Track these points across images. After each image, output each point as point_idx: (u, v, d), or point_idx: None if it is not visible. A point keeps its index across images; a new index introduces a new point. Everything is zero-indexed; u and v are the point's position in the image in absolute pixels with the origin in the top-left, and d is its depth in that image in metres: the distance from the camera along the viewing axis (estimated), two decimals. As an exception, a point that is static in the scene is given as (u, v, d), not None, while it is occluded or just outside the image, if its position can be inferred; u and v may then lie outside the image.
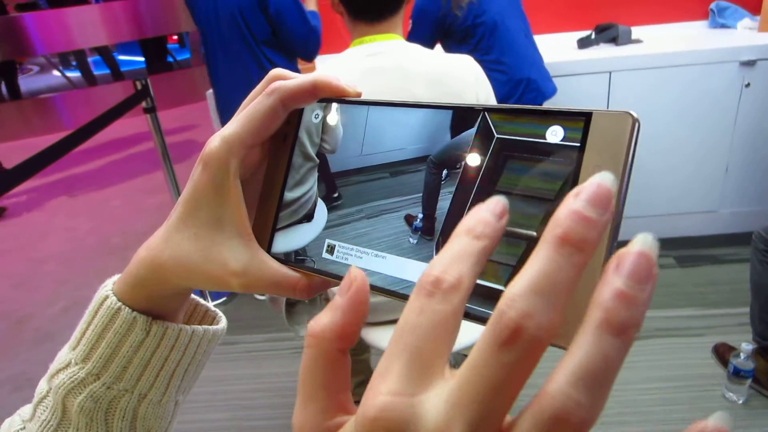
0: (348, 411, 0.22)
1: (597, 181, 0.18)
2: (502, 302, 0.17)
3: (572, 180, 0.25)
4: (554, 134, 0.27)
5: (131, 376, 0.37)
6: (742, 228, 2.93)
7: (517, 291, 0.17)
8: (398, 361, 0.19)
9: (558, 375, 0.16)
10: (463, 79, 1.36)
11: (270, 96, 0.34)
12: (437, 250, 0.30)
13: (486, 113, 0.30)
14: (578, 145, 0.25)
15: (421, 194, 0.32)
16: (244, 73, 2.41)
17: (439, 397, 0.18)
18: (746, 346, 2.00)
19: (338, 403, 0.22)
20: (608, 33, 2.93)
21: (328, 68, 1.41)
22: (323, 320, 0.22)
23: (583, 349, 0.16)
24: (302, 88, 0.34)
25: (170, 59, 6.53)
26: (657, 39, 2.96)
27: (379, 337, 1.55)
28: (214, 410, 2.31)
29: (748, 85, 2.70)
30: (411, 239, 0.32)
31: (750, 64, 2.66)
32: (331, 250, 0.34)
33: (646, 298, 0.16)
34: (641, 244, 0.17)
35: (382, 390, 0.18)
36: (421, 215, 0.32)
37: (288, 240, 0.36)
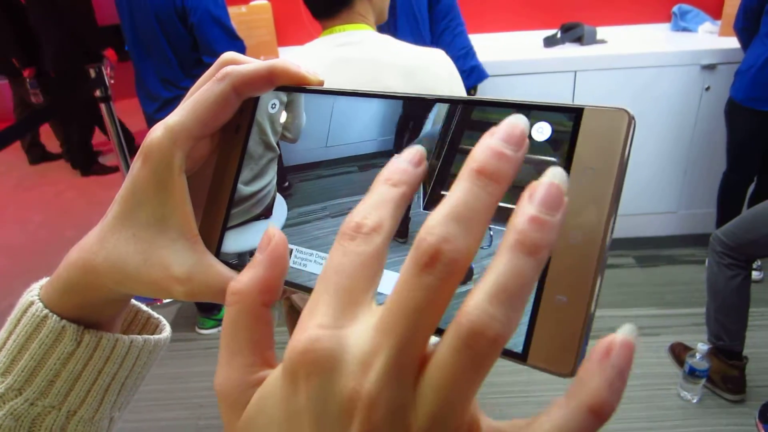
0: (273, 366, 0.22)
1: (512, 121, 0.19)
2: (422, 230, 0.18)
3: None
4: (540, 132, 0.24)
5: (59, 391, 0.33)
6: (700, 229, 2.99)
7: (435, 219, 0.18)
8: (324, 299, 0.19)
9: (475, 292, 0.17)
10: (437, 73, 1.33)
11: (221, 82, 0.30)
12: None
13: (464, 106, 0.27)
14: (567, 144, 0.23)
15: None
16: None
17: (365, 326, 0.19)
18: (702, 346, 2.04)
19: (263, 358, 0.22)
20: (574, 32, 2.95)
21: (298, 58, 1.37)
22: (244, 277, 0.22)
23: (498, 267, 0.17)
24: (257, 74, 0.31)
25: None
26: (621, 40, 2.99)
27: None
28: (170, 408, 2.25)
29: (708, 88, 2.75)
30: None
31: (710, 67, 2.71)
32: (290, 253, 0.31)
33: (556, 222, 0.17)
34: (551, 176, 0.18)
35: (310, 325, 0.19)
36: None
37: (242, 239, 0.32)
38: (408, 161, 0.21)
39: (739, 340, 2.03)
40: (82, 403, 0.34)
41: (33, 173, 4.69)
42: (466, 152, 0.22)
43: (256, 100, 0.33)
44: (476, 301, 0.17)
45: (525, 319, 0.22)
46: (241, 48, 2.19)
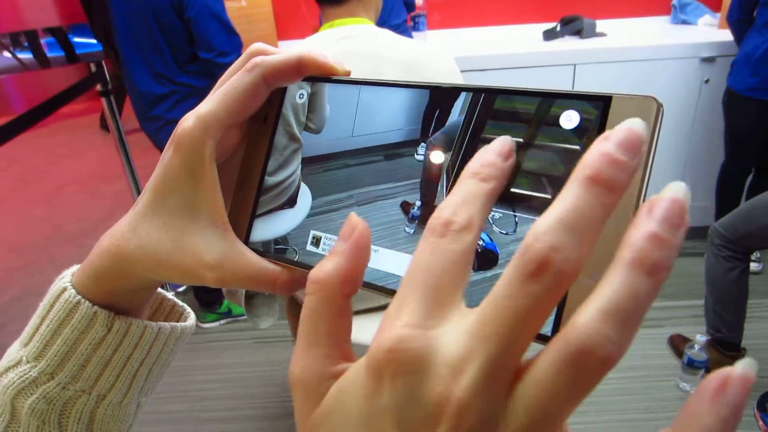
0: (352, 360, 0.22)
1: (627, 126, 0.18)
2: (529, 236, 0.17)
3: None
4: (569, 120, 0.24)
5: (89, 376, 0.34)
6: (700, 222, 2.99)
7: (545, 225, 0.17)
8: (412, 298, 0.18)
9: (586, 310, 0.16)
10: (437, 69, 1.34)
11: (251, 72, 0.31)
12: None
13: (492, 95, 0.27)
14: (596, 132, 0.23)
15: (419, 180, 0.29)
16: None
17: (457, 329, 0.18)
18: (701, 338, 2.05)
19: (342, 351, 0.22)
20: (573, 25, 2.94)
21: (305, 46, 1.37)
22: (327, 266, 0.22)
23: (614, 286, 0.16)
24: (287, 65, 0.31)
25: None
26: (620, 33, 2.98)
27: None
28: (173, 401, 2.27)
29: (707, 81, 2.75)
30: (407, 229, 0.29)
31: (710, 60, 2.71)
32: (316, 242, 0.31)
33: (677, 242, 0.16)
34: (674, 191, 0.17)
35: (398, 324, 0.18)
36: (419, 202, 0.29)
37: (268, 227, 0.33)
38: (497, 153, 0.20)
39: (738, 332, 2.05)
40: (112, 388, 0.35)
41: (34, 167, 4.68)
42: (490, 141, 0.23)
43: (284, 90, 0.34)
44: (589, 318, 0.16)
45: None
46: (238, 44, 2.16)
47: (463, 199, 0.19)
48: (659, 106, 0.22)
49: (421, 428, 0.17)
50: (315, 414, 0.21)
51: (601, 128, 0.23)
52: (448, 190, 0.28)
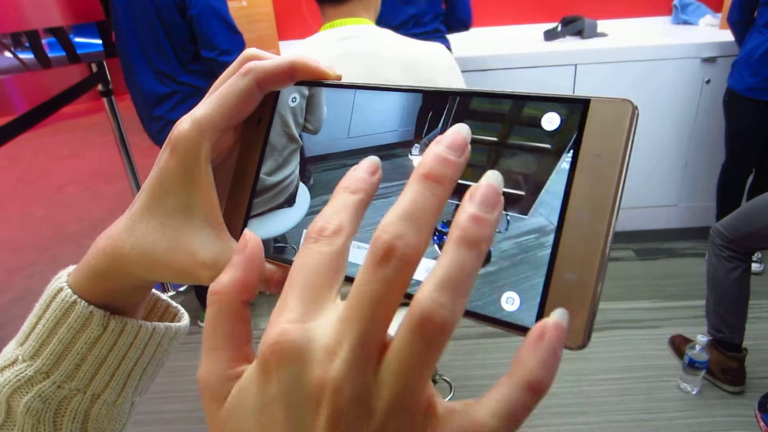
0: (251, 361, 0.23)
1: (455, 130, 0.22)
2: (378, 229, 0.20)
3: (570, 169, 0.25)
4: (550, 121, 0.26)
5: (84, 375, 0.34)
6: (701, 222, 3.00)
7: (389, 218, 0.20)
8: (291, 296, 0.21)
9: (425, 284, 0.19)
10: (436, 67, 1.34)
11: (245, 76, 0.32)
12: (438, 246, 0.29)
13: (478, 98, 0.28)
14: (575, 132, 0.25)
15: None
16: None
17: (329, 319, 0.20)
18: (702, 338, 2.05)
19: (242, 353, 0.23)
20: (574, 26, 2.94)
21: (301, 52, 1.37)
22: (224, 278, 0.24)
23: (444, 261, 0.19)
24: (280, 70, 0.32)
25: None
26: (622, 33, 2.99)
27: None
28: (172, 401, 2.27)
29: (708, 81, 2.75)
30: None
31: (711, 60, 2.71)
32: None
33: (494, 219, 0.20)
34: (488, 178, 0.21)
35: (280, 320, 0.20)
36: None
37: (267, 227, 0.34)
38: (364, 170, 0.24)
39: (739, 332, 2.04)
40: (106, 387, 0.35)
41: (35, 167, 4.69)
42: (477, 142, 0.25)
43: (277, 93, 0.35)
44: (426, 290, 0.19)
45: (537, 296, 0.24)
46: (240, 43, 2.15)
47: (334, 210, 0.23)
48: (634, 108, 0.23)
49: (307, 410, 0.19)
50: (220, 414, 0.22)
51: (581, 129, 0.25)
52: None
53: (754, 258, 2.62)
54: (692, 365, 2.06)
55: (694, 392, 2.10)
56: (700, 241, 2.88)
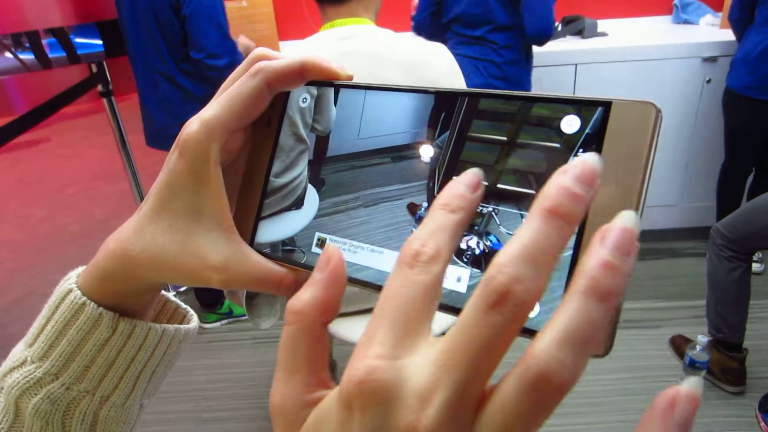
0: (328, 387, 0.22)
1: (583, 160, 0.19)
2: (491, 268, 0.18)
3: None
4: (570, 125, 0.25)
5: (93, 377, 0.34)
6: (701, 222, 2.99)
7: (506, 257, 0.18)
8: (382, 328, 0.19)
9: (544, 337, 0.17)
10: (438, 67, 1.33)
11: (254, 77, 0.31)
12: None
13: (491, 100, 0.28)
14: (596, 136, 0.24)
15: (425, 181, 0.29)
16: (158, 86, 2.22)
17: (425, 359, 0.18)
18: (702, 339, 2.04)
19: (319, 378, 0.22)
20: (575, 25, 2.94)
21: (303, 52, 1.37)
22: (304, 296, 0.23)
23: (569, 313, 0.17)
24: (290, 70, 0.31)
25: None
26: (622, 33, 2.98)
27: (344, 327, 1.52)
28: (175, 401, 2.27)
29: (709, 81, 2.74)
30: (414, 230, 0.29)
31: (711, 60, 2.70)
32: (321, 244, 0.32)
33: (628, 268, 0.17)
34: (624, 220, 0.18)
35: (369, 354, 0.19)
36: (426, 204, 0.29)
37: (275, 229, 0.33)
38: (466, 185, 0.21)
39: (740, 332, 2.04)
40: (115, 389, 0.35)
41: (35, 167, 4.69)
42: (489, 142, 0.23)
43: (287, 94, 0.34)
44: (546, 345, 0.16)
45: (556, 301, 0.23)
46: (231, 48, 2.11)
47: (431, 231, 0.20)
48: (658, 111, 0.23)
49: None
50: None
51: (601, 133, 0.24)
52: (439, 189, 0.28)
53: (755, 258, 2.62)
54: (693, 365, 2.06)
55: (695, 392, 2.09)
56: (700, 241, 2.87)
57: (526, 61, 2.34)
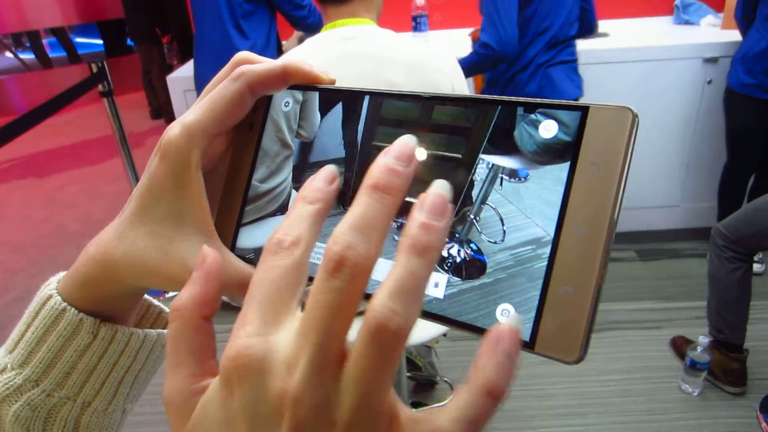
0: (215, 375, 0.23)
1: (402, 141, 0.22)
2: (329, 241, 0.20)
3: (567, 179, 0.24)
4: (547, 129, 0.25)
5: (74, 383, 0.34)
6: (703, 223, 2.99)
7: (339, 230, 0.20)
8: (251, 310, 0.21)
9: (377, 293, 0.19)
10: (439, 68, 1.33)
11: (236, 81, 0.31)
12: None
13: (475, 104, 0.28)
14: (573, 141, 0.24)
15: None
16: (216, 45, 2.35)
17: (289, 331, 0.20)
18: (703, 339, 2.04)
19: (206, 367, 0.23)
20: (575, 26, 2.93)
21: (302, 52, 1.37)
22: (184, 295, 0.24)
23: (396, 269, 0.19)
24: (272, 74, 0.32)
25: (131, 42, 6.40)
26: (623, 33, 2.98)
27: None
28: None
29: (710, 81, 2.74)
30: (396, 237, 0.29)
31: (713, 61, 2.70)
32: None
33: (442, 227, 0.20)
34: (437, 187, 0.21)
35: (240, 334, 0.20)
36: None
37: (259, 235, 0.33)
38: (322, 180, 0.24)
39: (740, 333, 2.04)
40: (97, 395, 0.35)
41: (35, 167, 4.69)
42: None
43: (270, 98, 0.34)
44: (379, 299, 0.19)
45: (532, 309, 0.24)
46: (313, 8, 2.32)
47: (291, 221, 0.23)
48: (635, 116, 0.23)
49: (269, 423, 0.20)
50: (186, 430, 0.22)
51: (579, 137, 0.24)
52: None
53: (756, 259, 2.61)
54: (694, 366, 2.06)
55: (696, 393, 2.09)
56: (701, 242, 2.87)
57: None
